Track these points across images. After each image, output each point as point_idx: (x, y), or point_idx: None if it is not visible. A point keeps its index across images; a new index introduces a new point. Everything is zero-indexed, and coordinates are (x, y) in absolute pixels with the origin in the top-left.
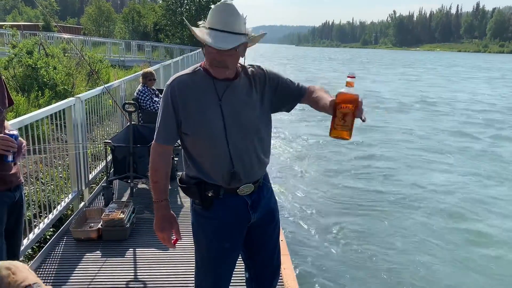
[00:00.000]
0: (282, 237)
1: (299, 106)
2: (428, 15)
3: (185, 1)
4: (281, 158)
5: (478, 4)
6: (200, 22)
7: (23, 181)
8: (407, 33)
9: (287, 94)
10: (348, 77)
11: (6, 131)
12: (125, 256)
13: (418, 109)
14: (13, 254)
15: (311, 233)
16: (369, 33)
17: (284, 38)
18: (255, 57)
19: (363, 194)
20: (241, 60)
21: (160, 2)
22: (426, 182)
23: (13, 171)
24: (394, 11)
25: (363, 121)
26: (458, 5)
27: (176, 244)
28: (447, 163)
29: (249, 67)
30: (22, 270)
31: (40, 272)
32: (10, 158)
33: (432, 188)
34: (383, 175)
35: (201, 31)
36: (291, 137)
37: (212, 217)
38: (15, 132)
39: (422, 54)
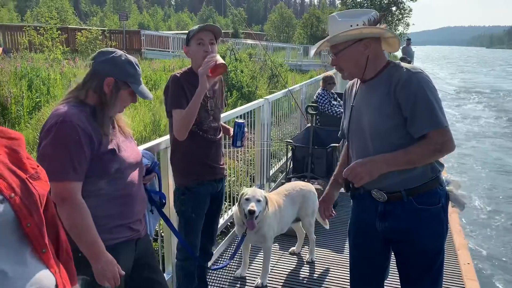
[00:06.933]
0: (468, 260)
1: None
2: None
3: (365, 4)
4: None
5: None
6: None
7: (226, 175)
8: None
9: None
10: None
11: (236, 120)
12: (301, 253)
13: None
14: (211, 235)
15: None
16: None
17: (472, 40)
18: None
19: None
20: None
21: (339, 6)
22: None
23: (222, 165)
24: None
25: None
26: None
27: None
28: None
29: (397, 67)
30: None
31: (226, 256)
32: (238, 144)
33: None
34: None
35: None
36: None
37: (353, 210)
38: (244, 121)
39: None
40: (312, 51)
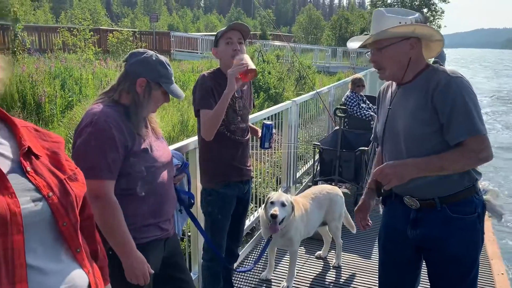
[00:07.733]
0: (502, 270)
1: None
2: None
3: (396, 5)
4: None
5: None
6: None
7: (253, 176)
8: None
9: None
10: None
11: (264, 121)
12: (327, 257)
13: None
14: (237, 236)
15: None
16: None
17: (507, 42)
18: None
19: None
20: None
21: (369, 8)
22: None
23: (248, 166)
24: None
25: None
26: None
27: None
28: None
29: (436, 71)
30: None
31: (251, 257)
32: (266, 145)
33: None
34: None
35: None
36: None
37: (384, 215)
38: (272, 123)
39: None
40: (357, 44)
